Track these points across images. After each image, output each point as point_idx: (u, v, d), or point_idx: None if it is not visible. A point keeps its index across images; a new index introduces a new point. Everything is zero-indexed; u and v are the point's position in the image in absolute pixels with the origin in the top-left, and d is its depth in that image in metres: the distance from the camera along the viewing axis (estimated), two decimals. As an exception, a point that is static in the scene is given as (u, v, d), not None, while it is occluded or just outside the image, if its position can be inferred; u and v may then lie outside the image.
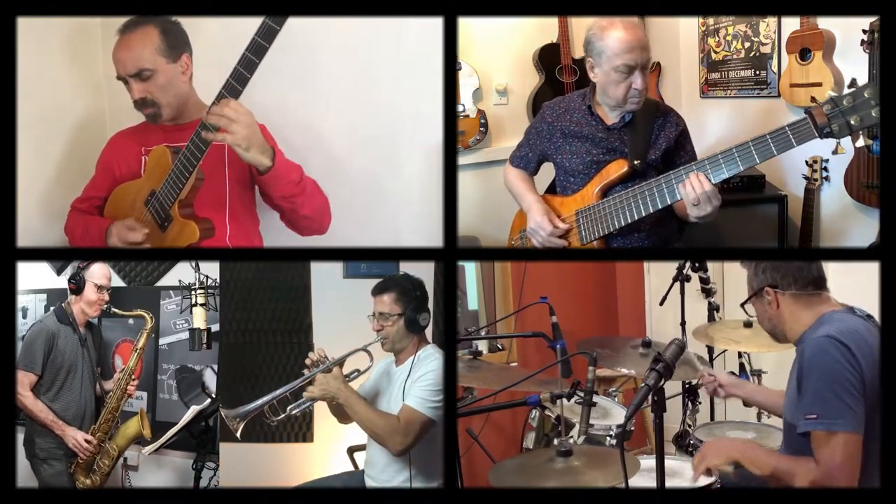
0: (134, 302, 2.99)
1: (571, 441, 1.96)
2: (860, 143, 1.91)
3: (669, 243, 2.45)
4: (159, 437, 2.67)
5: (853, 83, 1.76)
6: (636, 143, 2.30)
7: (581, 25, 3.42)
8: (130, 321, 2.78)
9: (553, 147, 2.43)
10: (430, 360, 2.16)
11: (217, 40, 2.29)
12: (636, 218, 2.21)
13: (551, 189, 2.56)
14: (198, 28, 2.29)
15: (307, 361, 2.18)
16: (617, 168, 2.30)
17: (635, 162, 2.27)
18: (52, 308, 2.85)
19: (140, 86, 2.17)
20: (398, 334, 2.21)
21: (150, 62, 2.15)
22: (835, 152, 1.92)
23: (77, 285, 2.70)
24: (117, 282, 3.24)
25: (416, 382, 2.12)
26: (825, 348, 1.65)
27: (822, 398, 1.62)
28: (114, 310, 2.78)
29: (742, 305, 1.91)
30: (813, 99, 1.87)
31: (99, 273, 2.72)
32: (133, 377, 2.73)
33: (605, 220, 2.27)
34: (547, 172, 2.61)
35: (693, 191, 2.02)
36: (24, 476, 2.64)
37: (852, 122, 1.81)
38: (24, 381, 2.60)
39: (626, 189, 2.25)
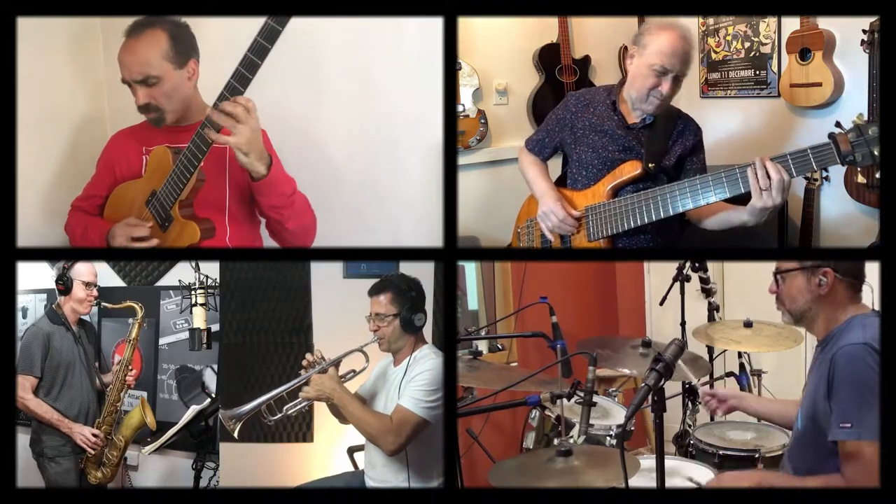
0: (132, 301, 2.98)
1: (571, 441, 1.97)
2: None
3: (673, 245, 2.46)
4: (159, 437, 2.67)
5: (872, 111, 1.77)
6: (653, 146, 2.31)
7: (581, 25, 3.43)
8: (130, 320, 2.79)
9: (572, 137, 2.43)
10: (425, 361, 2.16)
11: (219, 40, 2.29)
12: (645, 222, 2.21)
13: (561, 181, 2.55)
14: (199, 28, 2.29)
15: (304, 362, 2.19)
16: (631, 168, 2.30)
17: (650, 165, 2.27)
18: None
19: (145, 91, 2.16)
20: (394, 335, 2.21)
21: (157, 69, 2.14)
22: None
23: (65, 285, 2.70)
24: (117, 281, 3.25)
25: (410, 382, 2.12)
26: (863, 357, 1.63)
27: (858, 407, 1.61)
28: (104, 304, 2.78)
29: (777, 274, 1.83)
30: (838, 124, 1.87)
31: (85, 271, 2.72)
32: (130, 367, 2.73)
33: (614, 221, 2.27)
34: (555, 167, 2.61)
35: (767, 176, 1.92)
36: (29, 475, 2.65)
37: (876, 152, 1.81)
38: (25, 384, 2.61)
39: (638, 191, 2.25)
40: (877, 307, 1.82)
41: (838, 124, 1.88)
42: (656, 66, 2.21)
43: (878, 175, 1.94)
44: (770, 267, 1.88)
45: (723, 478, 1.85)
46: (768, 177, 1.93)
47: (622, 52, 3.53)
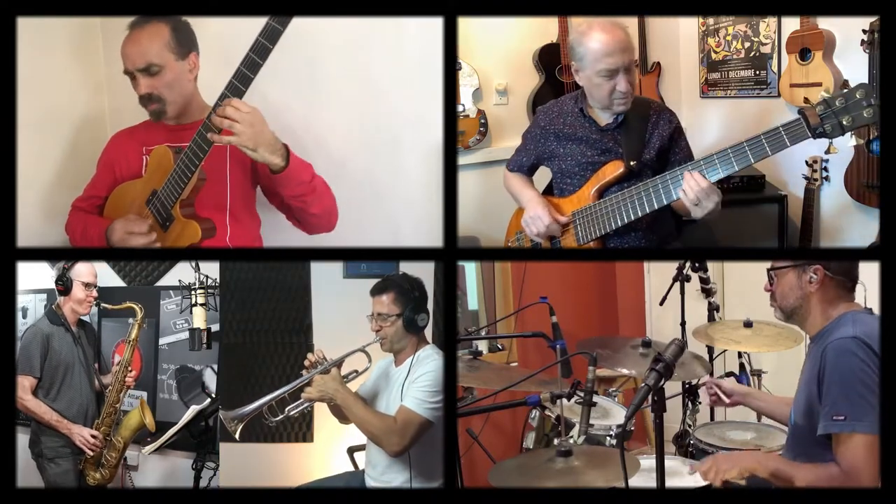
0: (132, 301, 2.98)
1: (571, 441, 1.97)
2: (853, 142, 1.99)
3: (667, 242, 2.46)
4: (159, 437, 2.67)
5: (845, 84, 1.82)
6: (631, 143, 2.31)
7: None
8: (130, 321, 2.79)
9: (548, 150, 2.45)
10: (428, 361, 2.16)
11: (220, 41, 2.29)
12: (633, 218, 2.22)
13: (548, 192, 2.56)
14: (200, 28, 2.29)
15: (306, 363, 2.19)
16: (613, 169, 2.30)
17: (631, 163, 2.28)
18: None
19: (147, 81, 2.17)
20: (396, 335, 2.20)
21: (159, 57, 2.16)
22: (827, 151, 1.98)
23: (64, 286, 2.70)
24: (117, 281, 3.24)
25: (413, 383, 2.12)
26: (852, 350, 1.64)
27: (850, 399, 1.62)
28: (104, 305, 2.78)
29: (770, 271, 1.87)
30: (807, 100, 1.91)
31: (85, 271, 2.72)
32: (130, 368, 2.73)
33: (601, 221, 2.28)
34: (542, 177, 2.61)
35: (691, 190, 2.02)
36: (29, 476, 2.65)
37: (844, 123, 1.86)
38: (24, 384, 2.61)
39: (623, 189, 2.25)
40: (870, 306, 1.82)
41: (806, 100, 1.91)
42: (602, 72, 2.20)
43: (871, 140, 1.97)
44: (770, 267, 1.89)
45: (718, 458, 1.86)
46: (693, 189, 2.02)
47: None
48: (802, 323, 1.84)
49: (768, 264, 1.89)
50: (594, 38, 2.19)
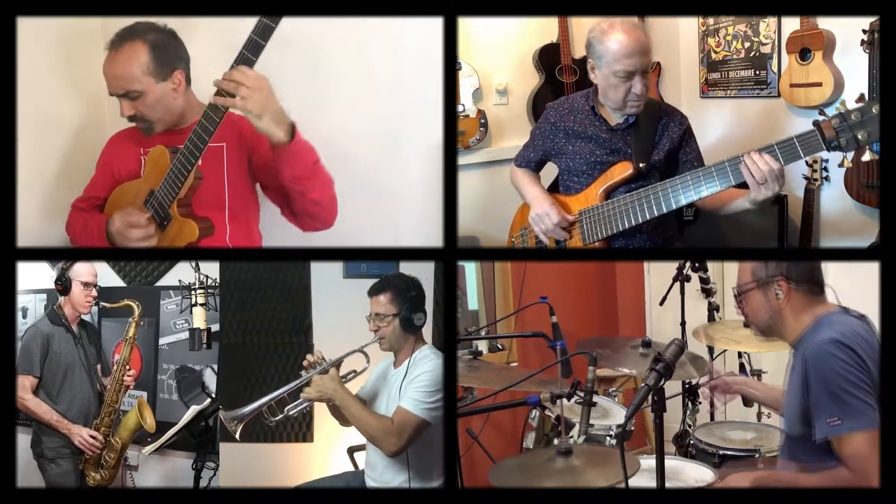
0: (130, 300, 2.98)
1: (571, 441, 1.97)
2: (866, 157, 1.95)
3: (670, 244, 2.46)
4: (159, 437, 2.67)
5: (861, 98, 1.80)
6: (640, 145, 2.31)
7: (581, 25, 3.42)
8: (130, 319, 2.79)
9: (556, 147, 2.44)
10: (426, 362, 2.16)
11: (216, 39, 2.29)
12: (640, 221, 2.22)
13: (553, 188, 2.56)
14: (196, 28, 2.29)
15: (305, 363, 2.20)
16: (622, 170, 2.30)
17: (640, 164, 2.28)
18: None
19: (129, 104, 2.17)
20: (394, 334, 2.21)
21: (138, 83, 2.13)
22: (840, 165, 1.97)
23: (64, 286, 2.70)
24: (117, 281, 3.25)
25: (411, 384, 2.12)
26: (831, 352, 1.64)
27: (840, 401, 1.62)
28: (102, 304, 2.78)
29: (738, 295, 1.87)
30: (821, 111, 1.90)
31: (84, 271, 2.72)
32: (128, 368, 2.73)
33: (608, 222, 2.28)
34: (548, 174, 2.61)
35: (760, 170, 1.95)
36: (30, 476, 2.65)
37: (860, 137, 1.84)
38: (25, 384, 2.61)
39: (631, 191, 2.25)
40: (845, 306, 1.81)
41: (822, 112, 1.90)
42: (620, 73, 2.20)
43: (871, 152, 1.96)
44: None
45: (728, 480, 1.85)
46: (761, 169, 1.95)
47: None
48: (780, 335, 1.84)
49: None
50: (614, 39, 2.18)
